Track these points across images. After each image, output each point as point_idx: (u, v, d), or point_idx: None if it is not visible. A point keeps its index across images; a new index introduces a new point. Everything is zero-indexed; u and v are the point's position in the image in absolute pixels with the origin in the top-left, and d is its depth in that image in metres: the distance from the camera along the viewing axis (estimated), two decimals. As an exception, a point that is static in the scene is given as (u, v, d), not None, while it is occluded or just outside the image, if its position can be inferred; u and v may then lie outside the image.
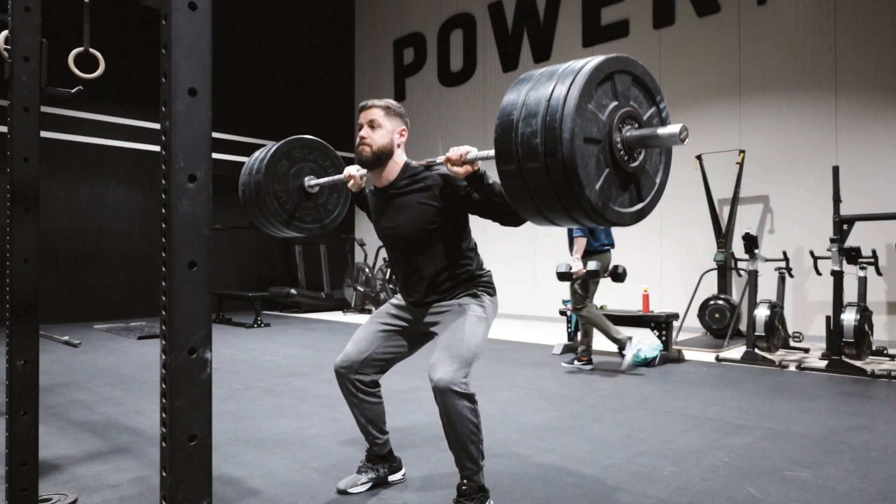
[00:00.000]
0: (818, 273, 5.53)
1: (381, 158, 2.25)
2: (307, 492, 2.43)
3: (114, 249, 8.83)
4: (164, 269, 1.03)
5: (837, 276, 4.86)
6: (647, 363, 5.05)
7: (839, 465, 2.69)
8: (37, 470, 2.02)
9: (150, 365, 5.22)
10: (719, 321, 6.21)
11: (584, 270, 4.66)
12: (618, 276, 4.87)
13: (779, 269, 5.71)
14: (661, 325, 5.25)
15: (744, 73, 6.94)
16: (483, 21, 9.60)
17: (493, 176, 1.99)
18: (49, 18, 3.17)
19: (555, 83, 1.53)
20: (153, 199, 9.17)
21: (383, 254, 9.79)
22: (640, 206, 1.69)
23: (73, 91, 2.37)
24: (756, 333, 5.06)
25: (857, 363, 4.80)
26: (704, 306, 6.35)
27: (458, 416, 2.05)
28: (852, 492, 2.39)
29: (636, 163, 1.65)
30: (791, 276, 5.82)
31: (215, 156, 9.37)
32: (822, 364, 4.84)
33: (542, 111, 1.51)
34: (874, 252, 5.12)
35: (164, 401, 1.02)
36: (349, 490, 2.40)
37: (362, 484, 2.43)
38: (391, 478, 2.51)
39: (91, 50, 2.55)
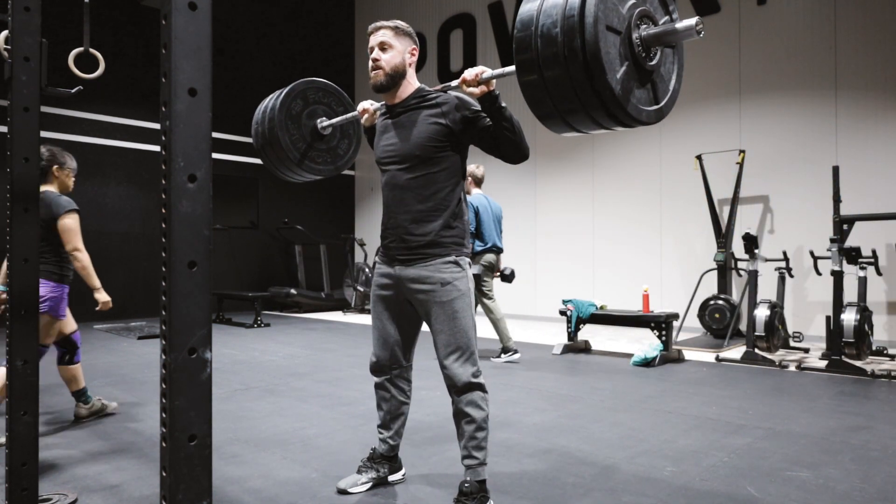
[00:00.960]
0: (818, 273, 5.53)
1: (394, 79, 2.24)
2: (307, 492, 2.43)
3: (114, 249, 8.83)
4: (164, 269, 1.03)
5: (837, 276, 4.86)
6: (648, 363, 5.06)
7: (839, 465, 2.69)
8: (37, 470, 2.02)
9: (150, 365, 5.22)
10: (719, 321, 6.21)
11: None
12: (505, 277, 5.40)
13: (779, 269, 5.71)
14: (661, 325, 5.25)
15: (744, 73, 6.94)
16: (483, 21, 9.60)
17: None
18: (49, 18, 3.17)
19: None
20: (153, 199, 9.17)
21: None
22: (655, 107, 1.74)
23: (73, 91, 2.37)
24: (756, 333, 5.06)
25: (857, 363, 4.80)
26: (704, 306, 6.35)
27: (471, 403, 2.18)
28: (852, 492, 2.39)
29: (653, 62, 1.69)
30: (791, 276, 5.82)
31: (215, 156, 9.37)
32: (822, 364, 4.84)
33: (561, 2, 1.55)
34: (874, 252, 5.12)
35: (164, 401, 1.02)
36: (349, 490, 2.40)
37: (362, 484, 2.43)
38: (391, 478, 2.51)
39: (91, 50, 2.55)
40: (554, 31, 1.53)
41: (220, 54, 9.70)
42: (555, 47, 1.53)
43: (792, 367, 4.93)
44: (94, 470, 2.68)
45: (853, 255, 4.96)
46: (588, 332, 6.86)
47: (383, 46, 2.24)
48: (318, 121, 2.80)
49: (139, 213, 9.10)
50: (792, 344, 5.50)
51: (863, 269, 5.05)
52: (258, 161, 10.46)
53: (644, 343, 5.88)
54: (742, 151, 6.62)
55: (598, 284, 8.08)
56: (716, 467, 2.67)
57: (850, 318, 4.73)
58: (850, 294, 5.20)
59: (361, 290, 9.46)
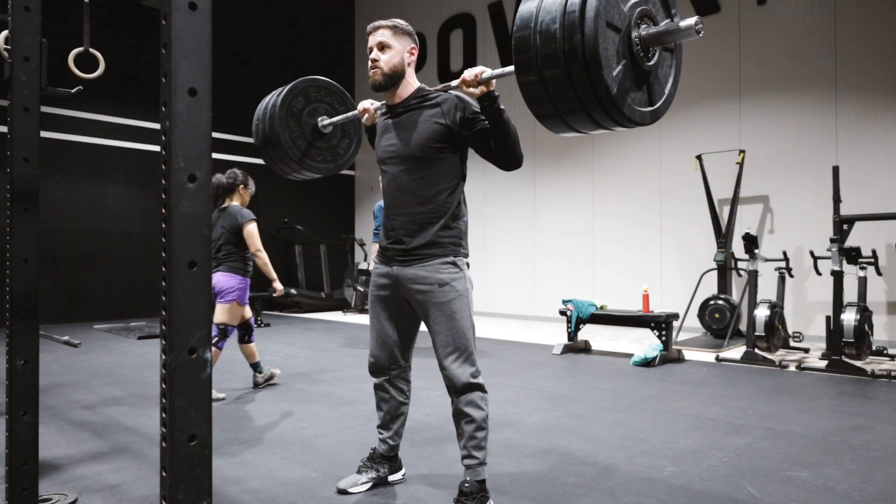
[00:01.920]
0: (818, 273, 5.53)
1: (393, 79, 2.24)
2: (307, 492, 2.43)
3: (114, 249, 8.83)
4: (164, 269, 1.03)
5: (837, 276, 4.86)
6: (648, 363, 5.06)
7: (839, 465, 2.69)
8: (37, 470, 2.02)
9: (150, 365, 5.22)
10: (719, 321, 6.21)
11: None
12: None
13: (779, 269, 5.71)
14: (661, 325, 5.25)
15: (744, 73, 6.94)
16: (483, 21, 9.61)
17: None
18: (49, 18, 3.18)
19: None
20: (153, 199, 9.17)
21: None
22: (650, 108, 1.74)
23: (73, 91, 2.37)
24: (756, 333, 5.06)
25: (857, 363, 4.80)
26: (704, 306, 6.35)
27: (471, 403, 2.18)
28: (852, 492, 2.39)
29: (651, 63, 1.69)
30: (791, 276, 5.82)
31: (215, 156, 9.37)
32: (822, 364, 4.84)
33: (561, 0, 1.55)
34: (874, 252, 5.12)
35: (164, 401, 1.02)
36: (349, 490, 2.40)
37: (362, 484, 2.43)
38: (391, 478, 2.51)
39: (91, 50, 2.55)
40: (553, 28, 1.53)
41: (220, 54, 9.70)
42: (554, 44, 1.53)
43: (792, 367, 4.93)
44: (94, 470, 2.68)
45: (853, 255, 4.96)
46: (588, 332, 6.86)
47: (382, 46, 2.24)
48: (319, 119, 2.80)
49: (139, 213, 9.10)
50: (792, 344, 5.50)
51: (863, 269, 5.05)
52: (258, 161, 10.46)
53: (644, 343, 5.88)
54: (742, 151, 6.62)
55: (598, 284, 8.08)
56: (716, 467, 2.67)
57: (850, 318, 4.73)
58: (850, 294, 5.20)
59: (361, 290, 9.46)
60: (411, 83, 2.29)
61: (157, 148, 8.60)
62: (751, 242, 5.53)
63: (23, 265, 1.96)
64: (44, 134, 6.91)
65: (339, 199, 11.74)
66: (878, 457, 2.80)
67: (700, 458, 2.78)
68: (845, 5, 6.27)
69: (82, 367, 5.08)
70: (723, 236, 6.55)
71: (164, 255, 1.02)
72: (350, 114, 2.70)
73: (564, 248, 8.52)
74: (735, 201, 6.61)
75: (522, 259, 8.99)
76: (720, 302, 6.25)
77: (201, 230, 1.04)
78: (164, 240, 1.02)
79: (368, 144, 2.57)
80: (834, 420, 3.41)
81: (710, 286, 6.60)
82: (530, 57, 1.59)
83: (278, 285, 4.36)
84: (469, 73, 2.02)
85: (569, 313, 5.78)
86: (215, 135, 9.32)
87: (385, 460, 2.49)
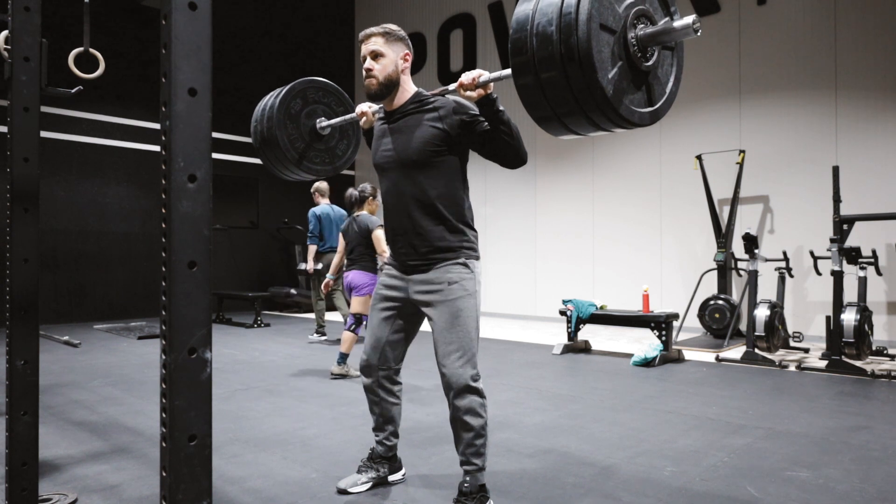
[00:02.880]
0: (818, 273, 5.53)
1: (388, 88, 2.23)
2: (307, 492, 2.43)
3: (114, 249, 8.83)
4: (164, 269, 1.03)
5: (837, 276, 4.86)
6: (648, 363, 5.06)
7: (839, 465, 2.69)
8: (37, 470, 2.02)
9: (150, 365, 5.22)
10: (719, 321, 6.21)
11: (313, 269, 6.34)
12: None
13: (779, 269, 5.71)
14: (661, 325, 5.25)
15: (744, 73, 6.94)
16: (483, 21, 9.60)
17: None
18: (49, 18, 3.18)
19: None
20: (153, 199, 9.17)
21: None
22: (650, 108, 1.71)
23: (73, 91, 2.37)
24: (756, 333, 5.06)
25: (857, 363, 4.80)
26: (704, 306, 6.35)
27: (469, 411, 2.13)
28: (852, 492, 2.39)
29: (649, 63, 1.66)
30: (791, 276, 5.82)
31: (215, 156, 9.37)
32: (822, 364, 4.84)
33: (557, 1, 1.53)
34: (874, 252, 5.12)
35: (164, 401, 1.02)
36: (349, 490, 2.40)
37: (362, 484, 2.43)
38: (391, 478, 2.51)
39: (91, 50, 2.55)
40: (550, 30, 1.52)
41: (220, 54, 9.70)
42: (550, 46, 1.52)
43: (792, 367, 4.93)
44: (94, 470, 2.68)
45: (853, 255, 4.96)
46: (588, 332, 6.86)
47: (375, 55, 2.23)
48: (318, 121, 2.79)
49: (139, 213, 9.09)
50: (792, 344, 5.49)
51: (863, 269, 5.05)
52: (258, 161, 10.46)
53: (644, 343, 5.88)
54: (742, 151, 6.62)
55: (598, 284, 8.08)
56: (716, 467, 2.67)
57: (850, 318, 4.73)
58: (850, 294, 5.20)
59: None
60: (408, 89, 2.28)
61: (157, 148, 8.60)
62: (751, 242, 5.53)
63: (23, 265, 1.96)
64: (44, 134, 6.90)
65: (339, 199, 11.72)
66: (878, 457, 2.80)
67: (700, 458, 2.78)
68: (845, 5, 6.27)
69: (82, 367, 5.08)
70: (723, 236, 6.55)
71: (164, 255, 1.02)
72: (348, 116, 2.68)
73: (564, 248, 8.52)
74: (735, 201, 6.61)
75: (522, 259, 8.98)
76: (720, 302, 6.25)
77: (201, 230, 1.04)
78: (164, 240, 1.02)
79: (366, 146, 2.57)
80: (834, 420, 3.41)
81: (710, 286, 6.60)
82: (527, 59, 1.58)
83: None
84: (466, 77, 2.01)
85: (569, 313, 5.78)
86: (215, 135, 9.33)
87: (384, 460, 2.49)
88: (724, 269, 6.50)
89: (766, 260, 5.90)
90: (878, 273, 5.27)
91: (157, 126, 8.63)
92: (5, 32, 2.14)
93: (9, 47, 1.97)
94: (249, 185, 10.38)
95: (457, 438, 2.21)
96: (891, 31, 6.00)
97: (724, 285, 6.47)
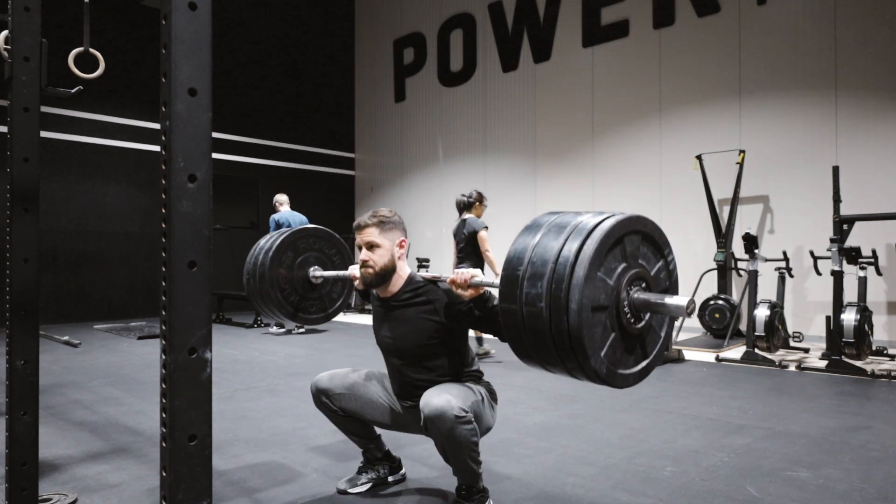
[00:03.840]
0: (818, 273, 5.53)
1: (384, 278, 2.23)
2: (307, 492, 2.43)
3: (114, 249, 8.83)
4: (164, 269, 1.03)
5: (837, 276, 4.86)
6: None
7: (839, 465, 2.69)
8: (37, 470, 2.02)
9: (150, 365, 5.22)
10: (719, 321, 6.21)
11: None
12: None
13: (779, 269, 5.71)
14: (661, 325, 5.24)
15: (744, 73, 6.94)
16: (483, 21, 9.60)
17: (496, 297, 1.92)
18: (49, 18, 3.18)
19: (563, 241, 1.44)
20: (153, 199, 9.17)
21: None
22: (644, 363, 1.60)
23: (73, 91, 2.37)
24: (756, 333, 5.05)
25: (857, 363, 4.79)
26: (704, 306, 6.35)
27: (458, 441, 2.00)
28: (852, 492, 2.39)
29: (642, 323, 1.56)
30: (791, 276, 5.82)
31: (215, 156, 9.36)
32: (822, 364, 4.84)
33: (548, 274, 1.42)
34: (874, 252, 5.12)
35: (164, 401, 1.02)
36: (349, 490, 2.40)
37: (362, 484, 2.43)
38: (391, 478, 2.51)
39: (91, 50, 2.54)
40: (539, 305, 1.42)
41: (221, 54, 9.70)
42: (540, 322, 1.43)
43: (792, 367, 4.93)
44: (94, 470, 2.68)
45: (853, 255, 4.96)
46: (588, 332, 6.85)
47: (371, 245, 2.21)
48: (311, 269, 2.71)
49: (139, 213, 9.10)
50: (792, 344, 5.49)
51: (863, 269, 5.05)
52: (258, 161, 10.48)
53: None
54: (742, 151, 6.62)
55: (598, 284, 8.08)
56: (716, 467, 2.67)
57: (850, 318, 4.72)
58: (850, 294, 5.20)
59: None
60: (402, 276, 2.27)
61: (157, 148, 8.60)
62: (751, 242, 5.53)
63: (23, 265, 1.96)
64: (44, 134, 6.91)
65: (339, 199, 11.74)
66: (878, 457, 2.80)
67: (700, 458, 2.78)
68: (845, 5, 6.27)
69: (82, 367, 5.08)
70: (723, 236, 6.55)
71: (164, 255, 1.02)
72: (341, 273, 2.61)
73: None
74: (735, 201, 6.61)
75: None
76: (720, 302, 6.25)
77: (201, 230, 1.04)
78: (164, 240, 1.02)
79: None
80: (834, 420, 3.41)
81: (710, 286, 6.59)
82: (517, 322, 1.49)
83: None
84: (459, 277, 1.95)
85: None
86: (215, 135, 9.32)
87: (382, 460, 2.49)
88: (724, 269, 6.50)
89: (766, 260, 5.90)
90: (878, 273, 5.27)
91: (157, 126, 8.62)
92: (5, 32, 2.14)
93: (9, 47, 1.97)
94: (249, 185, 10.38)
95: (448, 462, 2.12)
96: (891, 31, 5.99)
97: (724, 285, 6.47)
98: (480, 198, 5.36)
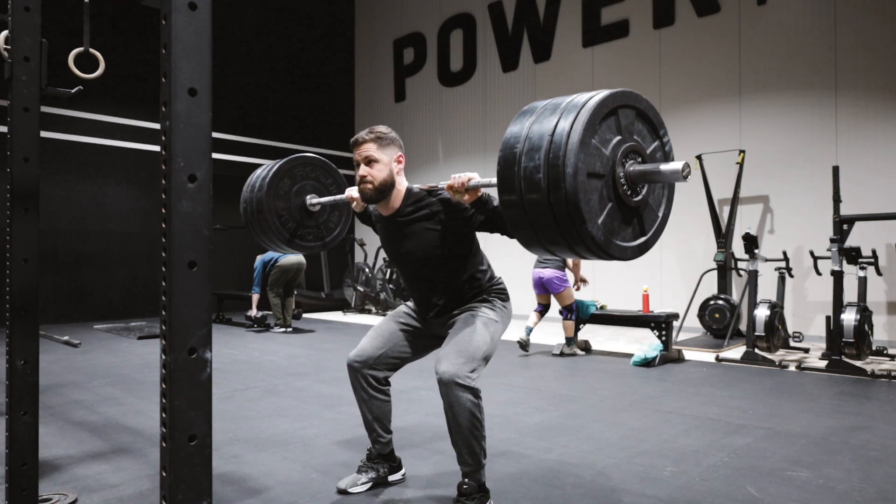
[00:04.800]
0: (818, 273, 5.53)
1: (383, 192, 2.26)
2: (307, 492, 2.43)
3: (114, 249, 8.83)
4: (164, 269, 1.03)
5: (837, 276, 4.86)
6: (648, 363, 5.05)
7: (839, 465, 2.69)
8: (37, 470, 2.02)
9: (150, 365, 5.22)
10: (719, 321, 6.21)
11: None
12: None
13: (779, 269, 5.71)
14: (661, 325, 5.25)
15: (744, 73, 6.94)
16: (483, 21, 9.60)
17: (496, 197, 2.00)
18: (49, 18, 3.18)
19: (558, 117, 1.51)
20: (153, 199, 9.17)
21: (384, 254, 9.79)
22: (642, 239, 1.68)
23: (73, 91, 2.37)
24: (756, 333, 5.05)
25: (857, 363, 4.79)
26: (704, 306, 6.35)
27: (461, 409, 2.09)
28: (852, 492, 2.39)
29: (639, 197, 1.64)
30: (791, 276, 5.82)
31: (215, 156, 9.37)
32: (822, 364, 4.84)
33: (545, 146, 1.50)
34: (874, 252, 5.12)
35: (164, 401, 1.02)
36: (349, 490, 2.40)
37: (362, 484, 2.43)
38: (391, 477, 2.51)
39: (91, 50, 2.54)
40: (537, 177, 1.49)
41: (221, 54, 9.70)
42: (538, 192, 1.49)
43: (792, 367, 4.93)
44: (94, 470, 2.68)
45: (853, 255, 4.96)
46: (588, 332, 6.86)
47: (369, 161, 2.23)
48: (308, 197, 2.73)
49: (139, 213, 9.10)
50: (792, 344, 5.49)
51: (863, 269, 5.04)
52: (258, 161, 10.47)
53: (644, 343, 5.88)
54: (742, 151, 6.62)
55: (598, 284, 8.07)
56: (716, 467, 2.67)
57: (850, 318, 4.72)
58: (850, 294, 5.20)
59: (361, 290, 9.45)
60: (400, 190, 2.30)
61: (157, 148, 8.60)
62: (751, 242, 5.53)
63: (23, 265, 1.96)
64: (44, 134, 6.91)
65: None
66: (878, 457, 2.80)
67: (700, 458, 2.78)
68: (845, 5, 6.27)
69: (82, 367, 5.08)
70: (723, 236, 6.55)
71: (164, 255, 1.02)
72: (338, 197, 2.64)
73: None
74: (735, 201, 6.61)
75: (522, 259, 8.98)
76: (720, 302, 6.25)
77: (201, 230, 1.04)
78: (164, 240, 1.02)
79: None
80: (834, 420, 3.41)
81: (710, 286, 6.59)
82: (515, 198, 1.55)
83: (584, 282, 5.76)
84: (456, 181, 2.01)
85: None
86: (215, 135, 9.32)
87: (383, 459, 2.49)
88: (724, 269, 6.50)
89: (766, 260, 5.90)
90: (878, 273, 5.27)
91: (157, 126, 8.62)
92: (5, 32, 2.14)
93: (9, 47, 1.97)
94: (249, 185, 10.37)
95: (452, 439, 2.18)
96: (891, 31, 5.99)
97: (724, 285, 6.47)
98: None
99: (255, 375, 4.78)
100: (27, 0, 1.96)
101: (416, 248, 2.28)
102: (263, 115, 10.58)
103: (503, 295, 2.40)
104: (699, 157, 6.80)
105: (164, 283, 1.02)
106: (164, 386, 1.02)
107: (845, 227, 4.99)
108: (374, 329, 2.44)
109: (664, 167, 1.58)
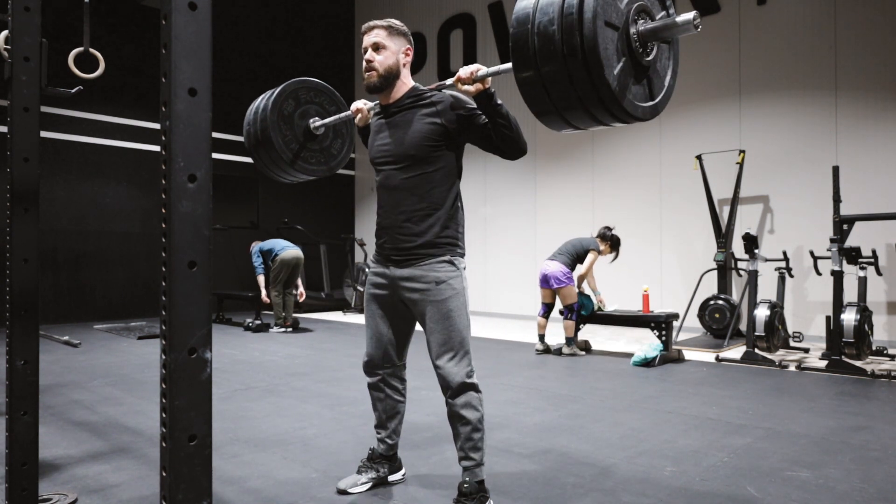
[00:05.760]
0: (818, 273, 5.53)
1: (388, 80, 2.23)
2: (307, 492, 2.43)
3: (114, 249, 8.83)
4: (164, 269, 1.03)
5: (837, 276, 4.86)
6: (648, 363, 5.05)
7: (839, 465, 2.69)
8: (37, 470, 2.02)
9: (150, 365, 5.22)
10: (719, 321, 6.21)
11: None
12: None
13: (779, 269, 5.71)
14: (661, 325, 5.25)
15: (744, 73, 6.94)
16: (483, 21, 9.60)
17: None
18: (49, 18, 3.18)
19: None
20: (153, 199, 9.17)
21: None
22: (651, 102, 1.76)
23: (73, 91, 2.37)
24: (756, 333, 5.06)
25: (857, 363, 4.79)
26: (704, 306, 6.35)
27: (466, 406, 2.15)
28: (852, 492, 2.39)
29: (650, 57, 1.70)
30: (791, 276, 5.82)
31: (215, 156, 9.37)
32: (822, 364, 4.84)
33: (558, 1, 1.56)
34: (874, 252, 5.12)
35: (164, 401, 1.02)
36: (349, 490, 2.40)
37: (362, 484, 2.43)
38: (391, 478, 2.51)
39: (91, 50, 2.54)
40: (551, 29, 1.55)
41: (221, 54, 9.69)
42: (553, 45, 1.55)
43: (792, 367, 4.93)
44: (94, 470, 2.68)
45: (853, 255, 4.96)
46: (588, 332, 6.86)
47: (377, 47, 2.22)
48: (311, 121, 2.77)
49: (139, 213, 9.09)
50: (792, 344, 5.49)
51: (863, 269, 5.04)
52: (258, 161, 10.47)
53: (644, 343, 5.88)
54: (742, 151, 6.62)
55: (597, 284, 8.07)
56: (716, 467, 2.67)
57: (850, 318, 4.72)
58: (850, 294, 5.20)
59: (361, 290, 9.45)
60: (406, 83, 2.27)
61: (157, 148, 8.60)
62: (751, 242, 5.53)
63: (23, 265, 1.96)
64: (44, 134, 6.91)
65: (339, 199, 11.74)
66: (878, 457, 2.80)
67: (700, 458, 2.78)
68: (845, 5, 6.27)
69: (82, 367, 5.08)
70: (723, 236, 6.55)
71: (164, 255, 1.02)
72: (342, 115, 2.67)
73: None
74: (735, 201, 6.61)
75: (522, 259, 8.98)
76: (720, 302, 6.25)
77: (201, 230, 1.04)
78: (164, 240, 1.02)
79: (362, 144, 2.57)
80: (834, 420, 3.41)
81: (710, 286, 6.59)
82: (529, 56, 1.60)
83: (601, 296, 6.12)
84: (464, 71, 2.00)
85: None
86: (215, 135, 9.33)
87: (384, 460, 2.49)
88: (724, 269, 6.50)
89: (766, 260, 5.90)
90: (878, 273, 5.27)
91: (157, 126, 8.63)
92: (5, 32, 2.14)
93: (9, 47, 1.97)
94: (249, 185, 10.38)
95: (455, 434, 2.22)
96: (891, 31, 5.99)
97: (724, 285, 6.47)
98: (614, 240, 5.77)
99: (254, 375, 4.78)
100: (27, 0, 1.96)
101: (403, 137, 2.18)
102: (263, 115, 10.57)
103: (461, 248, 2.26)
104: (699, 157, 6.81)
105: (164, 283, 1.02)
106: (164, 386, 1.02)
107: (845, 227, 4.99)
108: (366, 329, 2.43)
109: (678, 18, 1.65)
